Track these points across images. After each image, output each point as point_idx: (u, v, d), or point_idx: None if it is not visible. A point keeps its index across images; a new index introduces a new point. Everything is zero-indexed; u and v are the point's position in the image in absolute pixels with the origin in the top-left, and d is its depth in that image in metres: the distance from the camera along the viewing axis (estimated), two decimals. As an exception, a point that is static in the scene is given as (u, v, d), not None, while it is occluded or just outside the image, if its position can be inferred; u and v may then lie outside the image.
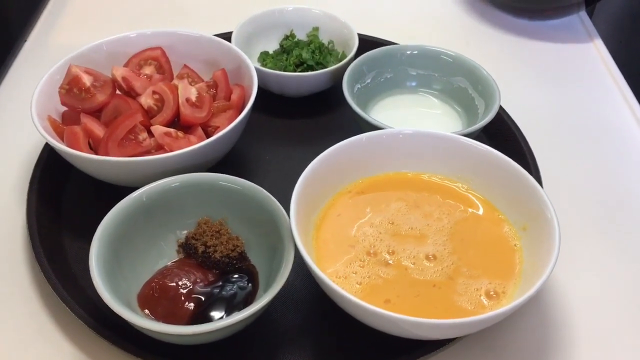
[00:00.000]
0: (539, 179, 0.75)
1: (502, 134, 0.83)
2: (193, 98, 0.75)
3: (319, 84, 0.88)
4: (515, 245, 0.64)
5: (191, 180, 0.65)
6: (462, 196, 0.69)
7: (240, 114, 0.73)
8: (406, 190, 0.70)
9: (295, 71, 0.91)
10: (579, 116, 0.93)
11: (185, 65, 0.84)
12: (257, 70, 0.85)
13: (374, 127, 0.74)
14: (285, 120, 0.89)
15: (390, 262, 0.63)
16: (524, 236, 0.64)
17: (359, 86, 0.83)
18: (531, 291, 0.55)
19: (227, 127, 0.70)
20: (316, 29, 0.97)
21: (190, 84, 0.79)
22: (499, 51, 1.06)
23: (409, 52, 0.86)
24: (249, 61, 0.80)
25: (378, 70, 0.86)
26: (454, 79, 0.85)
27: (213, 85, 0.79)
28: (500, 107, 0.83)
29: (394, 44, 0.95)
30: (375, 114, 0.83)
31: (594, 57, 1.04)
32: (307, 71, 0.91)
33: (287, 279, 0.58)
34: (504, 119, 0.84)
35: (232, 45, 0.84)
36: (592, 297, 0.70)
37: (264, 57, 0.96)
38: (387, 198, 0.69)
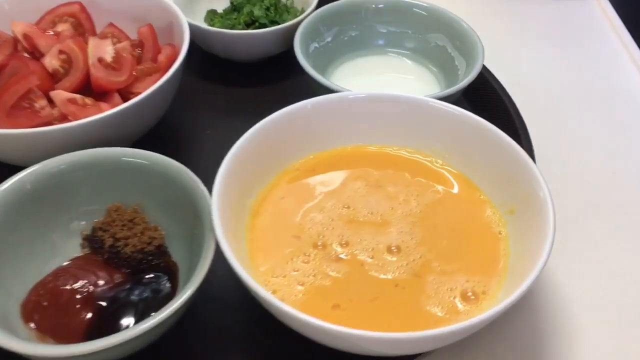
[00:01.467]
0: (530, 152, 0.62)
1: (487, 100, 0.70)
2: (108, 58, 0.61)
3: (270, 45, 0.75)
4: (499, 232, 0.52)
5: (84, 158, 0.51)
6: (435, 173, 0.56)
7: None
8: (366, 167, 0.57)
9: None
10: (578, 80, 0.80)
11: (110, 24, 0.71)
12: (197, 28, 0.72)
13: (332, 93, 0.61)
14: (233, 89, 0.76)
15: (343, 256, 0.50)
16: (511, 221, 0.52)
17: (317, 46, 0.70)
18: (519, 291, 0.43)
19: (145, 92, 0.57)
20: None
21: (116, 44, 0.65)
22: (485, 4, 0.92)
23: (375, 6, 0.72)
24: (181, 15, 0.66)
25: (340, 28, 0.72)
26: (430, 36, 0.72)
27: (138, 44, 0.66)
28: (485, 68, 0.70)
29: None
30: (336, 79, 0.70)
31: (595, 12, 0.91)
32: (260, 31, 0.77)
33: (207, 277, 0.45)
34: (488, 80, 0.70)
35: (165, -1, 0.70)
36: (594, 297, 0.57)
37: (211, 17, 0.82)
38: (342, 177, 0.56)
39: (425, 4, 0.71)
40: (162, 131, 0.68)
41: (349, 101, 0.56)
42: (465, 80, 0.62)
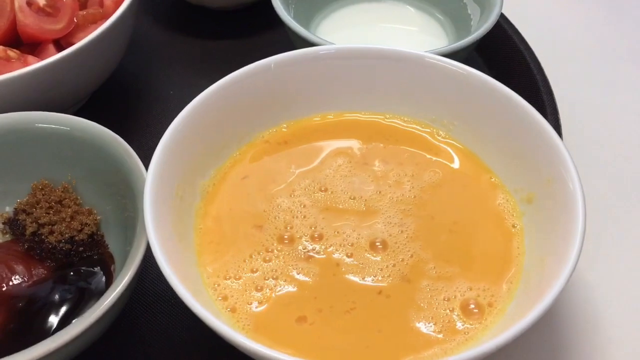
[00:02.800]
0: (557, 126, 0.50)
1: (505, 57, 0.58)
2: (41, 1, 0.50)
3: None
4: (513, 226, 0.41)
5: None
6: (435, 148, 0.46)
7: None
8: (350, 139, 0.46)
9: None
10: (622, 40, 0.67)
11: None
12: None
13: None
14: (204, 42, 0.65)
15: (314, 253, 0.40)
16: (528, 212, 0.41)
17: (300, -12, 0.58)
18: (538, 308, 0.33)
19: (80, 42, 0.46)
20: None
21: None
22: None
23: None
24: None
25: (331, -32, 0.60)
26: (438, -22, 0.60)
27: (84, -16, 0.55)
28: (504, 18, 0.58)
29: None
30: (323, 33, 0.59)
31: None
32: (238, -28, 0.66)
33: (144, 269, 0.36)
34: (508, 33, 0.58)
35: None
36: (631, 309, 0.46)
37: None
38: (320, 152, 0.45)
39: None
40: (114, 93, 0.57)
41: (326, 57, 0.45)
42: (478, 32, 0.50)
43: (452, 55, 0.47)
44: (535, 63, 0.55)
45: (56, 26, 0.50)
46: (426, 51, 0.47)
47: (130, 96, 0.58)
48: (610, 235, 0.49)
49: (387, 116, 0.47)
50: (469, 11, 0.56)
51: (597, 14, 0.70)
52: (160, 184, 0.38)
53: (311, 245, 0.40)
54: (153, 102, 0.58)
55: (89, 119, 0.44)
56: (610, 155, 0.55)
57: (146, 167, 0.39)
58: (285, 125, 0.47)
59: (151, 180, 0.37)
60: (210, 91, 0.43)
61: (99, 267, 0.42)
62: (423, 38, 0.59)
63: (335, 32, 0.59)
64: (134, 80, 0.60)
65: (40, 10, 0.50)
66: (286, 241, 0.40)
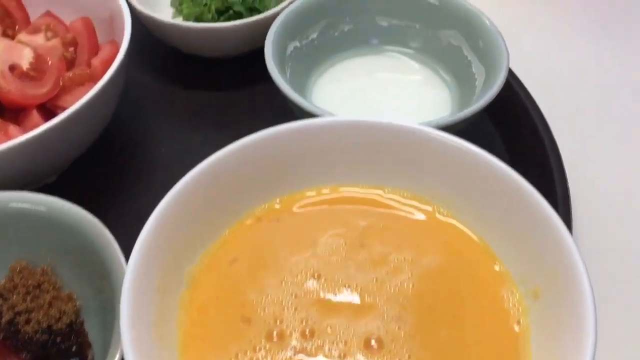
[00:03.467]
0: (566, 212, 0.47)
1: (512, 117, 0.55)
2: (24, 65, 0.48)
3: (245, 41, 0.61)
4: (518, 322, 0.38)
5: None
6: (437, 228, 0.43)
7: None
8: (348, 215, 0.44)
9: (217, 20, 0.63)
10: (634, 96, 0.64)
11: (47, 13, 0.57)
12: (151, 20, 0.58)
13: (309, 115, 0.47)
14: (198, 94, 0.62)
15: (303, 355, 0.37)
16: (535, 309, 0.38)
17: (297, 45, 0.56)
18: None
19: (68, 110, 0.44)
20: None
21: (50, 40, 0.52)
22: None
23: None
24: (122, 3, 0.52)
25: (330, 20, 0.58)
26: (442, 32, 0.57)
27: (71, 42, 0.53)
28: (512, 74, 0.56)
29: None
30: (321, 87, 0.56)
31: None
32: (234, 20, 0.63)
33: None
34: (515, 92, 0.55)
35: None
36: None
37: (178, 0, 0.68)
38: (314, 231, 0.43)
39: (438, -8, 0.56)
40: (97, 156, 0.54)
41: (322, 130, 0.43)
42: (483, 100, 0.47)
43: (456, 125, 0.45)
44: (546, 132, 0.51)
45: (40, 90, 0.48)
46: (429, 122, 0.44)
47: (115, 160, 0.56)
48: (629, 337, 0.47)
49: (386, 190, 0.45)
50: (474, 70, 0.54)
51: (612, 58, 0.67)
52: (141, 281, 0.36)
53: (301, 344, 0.37)
54: (142, 165, 0.56)
55: (68, 188, 0.42)
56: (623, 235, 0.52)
57: (128, 249, 0.37)
58: (278, 201, 0.44)
59: (130, 278, 0.35)
60: (198, 171, 0.40)
61: (77, 359, 0.40)
62: (426, 96, 0.56)
63: (334, 89, 0.56)
64: (121, 139, 0.57)
65: (23, 75, 0.48)
66: (275, 339, 0.38)
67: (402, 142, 0.43)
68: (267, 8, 0.64)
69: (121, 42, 0.51)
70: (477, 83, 0.53)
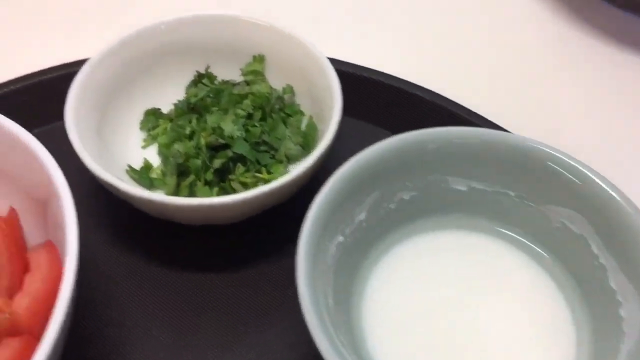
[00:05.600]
0: None
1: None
2: None
3: (250, 210, 0.41)
4: None
5: None
6: None
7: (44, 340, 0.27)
8: None
9: (212, 161, 0.43)
10: None
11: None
12: (114, 189, 0.38)
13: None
14: (187, 278, 0.42)
15: None
16: None
17: (341, 240, 0.35)
18: None
19: None
20: (259, 58, 0.49)
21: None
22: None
23: (457, 141, 0.38)
24: (52, 168, 0.31)
25: (385, 190, 0.38)
26: (552, 210, 0.38)
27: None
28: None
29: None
30: (372, 291, 0.36)
31: None
32: (233, 165, 0.43)
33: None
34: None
35: (29, 140, 0.34)
36: None
37: (152, 122, 0.48)
38: None
39: (562, 157, 0.36)
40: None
41: None
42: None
43: None
44: None
45: None
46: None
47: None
48: None
49: None
50: (612, 284, 0.35)
51: None
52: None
53: None
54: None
55: None
56: None
57: None
58: None
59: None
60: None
61: None
62: (538, 309, 0.37)
63: (395, 287, 0.36)
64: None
65: None
66: None
67: None
68: (277, 139, 0.45)
69: (64, 251, 0.30)
70: (617, 297, 0.34)
